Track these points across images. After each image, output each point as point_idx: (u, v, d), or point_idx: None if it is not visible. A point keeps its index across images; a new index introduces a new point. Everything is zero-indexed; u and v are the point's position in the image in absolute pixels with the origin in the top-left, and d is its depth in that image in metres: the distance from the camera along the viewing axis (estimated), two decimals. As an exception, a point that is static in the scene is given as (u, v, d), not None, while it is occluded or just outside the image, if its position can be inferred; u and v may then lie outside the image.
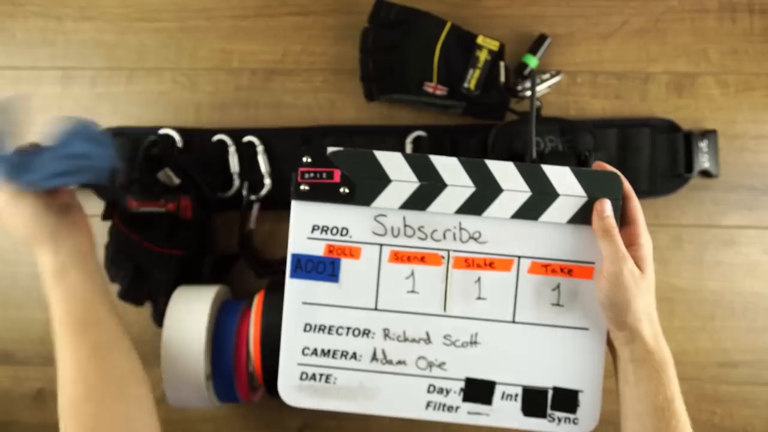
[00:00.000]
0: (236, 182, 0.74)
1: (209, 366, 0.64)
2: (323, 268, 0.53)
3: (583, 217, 0.52)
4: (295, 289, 0.53)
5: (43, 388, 0.76)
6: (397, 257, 0.53)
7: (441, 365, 0.53)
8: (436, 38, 0.72)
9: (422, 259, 0.53)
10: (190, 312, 0.65)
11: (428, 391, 0.53)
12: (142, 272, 0.69)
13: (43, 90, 0.78)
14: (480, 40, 0.72)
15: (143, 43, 0.78)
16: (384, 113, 0.76)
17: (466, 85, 0.72)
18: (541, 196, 0.52)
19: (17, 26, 0.78)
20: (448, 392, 0.53)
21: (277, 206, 0.75)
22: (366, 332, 0.53)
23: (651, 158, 0.74)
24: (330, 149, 0.53)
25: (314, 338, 0.53)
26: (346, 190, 0.53)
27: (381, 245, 0.53)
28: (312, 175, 0.53)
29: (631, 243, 0.51)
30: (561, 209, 0.52)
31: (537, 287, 0.53)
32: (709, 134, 0.74)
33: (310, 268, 0.53)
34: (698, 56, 0.76)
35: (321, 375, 0.54)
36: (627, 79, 0.76)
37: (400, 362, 0.53)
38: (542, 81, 0.74)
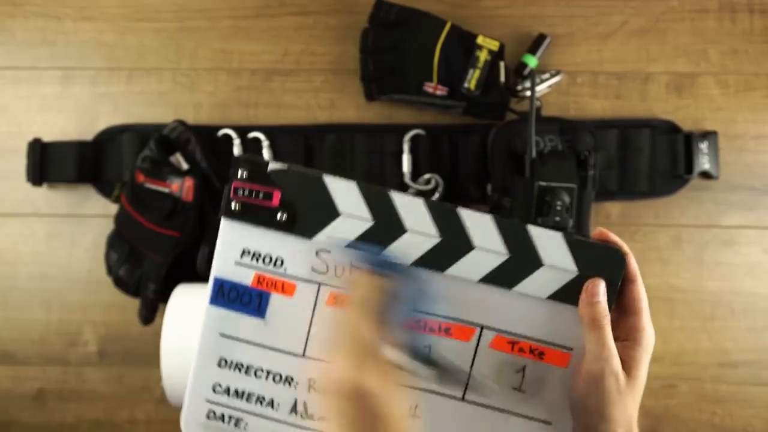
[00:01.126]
0: None
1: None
2: (248, 300, 0.46)
3: (567, 295, 0.43)
4: (213, 317, 0.46)
5: (43, 388, 0.76)
6: (338, 301, 0.45)
7: None
8: (436, 38, 0.72)
9: None
10: (191, 309, 0.65)
11: None
12: (136, 253, 0.70)
13: (43, 90, 0.78)
14: (480, 40, 0.72)
15: (143, 43, 0.78)
16: (384, 113, 0.76)
17: (466, 85, 0.72)
18: (521, 262, 0.44)
19: (17, 26, 0.78)
20: None
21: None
22: (288, 380, 0.46)
23: (651, 159, 0.74)
24: (272, 166, 0.45)
25: (228, 376, 0.46)
26: (284, 217, 0.44)
27: (320, 285, 0.45)
28: (247, 192, 0.45)
29: (626, 337, 0.42)
30: (542, 281, 0.44)
31: (498, 365, 0.45)
32: (710, 135, 0.74)
33: (234, 297, 0.46)
34: (698, 56, 0.76)
35: (230, 417, 0.46)
36: (627, 79, 0.76)
37: (322, 419, 0.45)
38: (542, 81, 0.74)
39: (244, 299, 0.46)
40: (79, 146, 0.75)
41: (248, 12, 0.78)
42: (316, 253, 0.45)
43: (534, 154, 0.67)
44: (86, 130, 0.77)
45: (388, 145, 0.74)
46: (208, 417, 0.47)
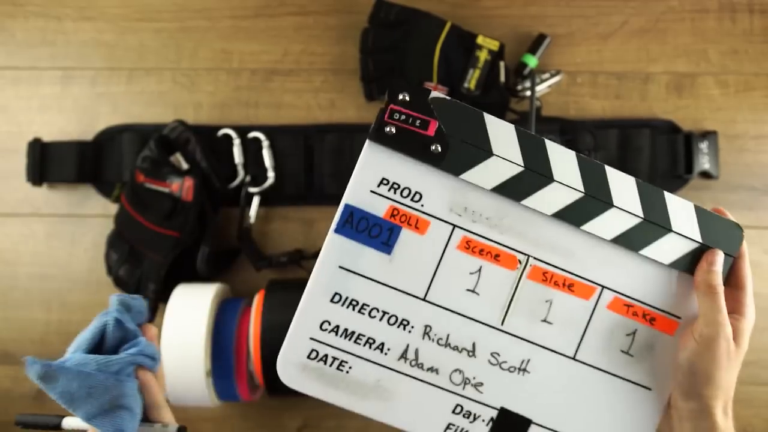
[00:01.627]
0: (240, 173, 0.75)
1: (209, 362, 0.64)
2: (378, 233, 0.44)
3: (687, 263, 0.45)
4: (336, 247, 0.43)
5: (43, 388, 0.76)
6: (468, 246, 0.44)
7: (477, 386, 0.45)
8: (436, 38, 0.72)
9: (496, 257, 0.45)
10: (191, 308, 0.65)
11: (453, 412, 0.45)
12: (136, 253, 0.70)
13: (43, 90, 0.78)
14: (480, 40, 0.72)
15: (143, 43, 0.78)
16: (384, 113, 0.76)
17: (466, 85, 0.72)
18: (652, 227, 0.45)
19: (17, 26, 0.78)
20: (475, 418, 0.45)
21: (279, 202, 0.75)
22: (404, 323, 0.44)
23: (651, 159, 0.74)
24: (434, 93, 0.43)
25: (340, 313, 0.44)
26: (438, 149, 0.43)
27: (454, 226, 0.44)
28: (403, 117, 0.43)
29: (732, 310, 0.44)
30: (667, 248, 0.45)
31: (611, 327, 0.45)
32: (710, 135, 0.74)
33: (363, 227, 0.43)
34: (698, 56, 0.76)
35: (334, 359, 0.44)
36: (627, 79, 0.76)
37: (431, 369, 0.45)
38: (542, 81, 0.74)
39: (374, 231, 0.44)
40: (79, 146, 0.75)
41: (248, 12, 0.78)
42: (458, 192, 0.44)
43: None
44: (86, 130, 0.77)
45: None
46: (309, 357, 0.44)
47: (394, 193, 0.44)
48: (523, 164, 0.44)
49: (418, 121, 0.43)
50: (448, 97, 0.43)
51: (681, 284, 0.46)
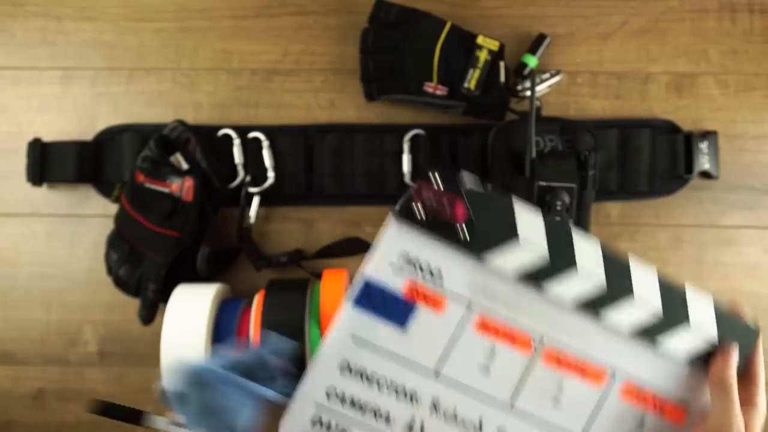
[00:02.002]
0: (240, 173, 0.74)
1: (209, 365, 0.64)
2: (394, 307, 0.44)
3: (702, 357, 0.46)
4: (351, 319, 0.44)
5: (43, 388, 0.76)
6: (485, 327, 0.45)
7: None
8: (436, 38, 0.72)
9: (511, 339, 0.45)
10: (191, 308, 0.65)
11: None
12: (136, 253, 0.70)
13: (43, 90, 0.78)
14: (480, 40, 0.73)
15: (143, 43, 0.78)
16: (384, 113, 0.76)
17: (466, 85, 0.72)
18: (671, 322, 0.45)
19: (17, 26, 0.78)
20: None
21: (279, 202, 0.75)
22: (412, 396, 0.45)
23: (651, 159, 0.74)
24: (468, 185, 0.44)
25: (348, 382, 0.44)
26: (465, 233, 0.44)
27: (472, 306, 0.44)
28: (435, 203, 0.44)
29: (743, 402, 0.45)
30: (684, 342, 0.46)
31: (621, 414, 0.46)
32: (710, 135, 0.74)
33: (379, 302, 0.44)
34: (698, 56, 0.77)
35: (337, 426, 0.45)
36: (627, 79, 0.76)
37: None
38: (542, 81, 0.74)
39: (390, 306, 0.44)
40: (79, 146, 0.75)
41: (248, 12, 0.78)
42: (479, 272, 0.44)
43: (534, 154, 0.67)
44: (86, 130, 0.77)
45: (388, 145, 0.74)
46: (313, 422, 0.45)
47: (414, 269, 0.44)
48: (548, 254, 0.44)
49: (447, 206, 0.44)
50: (481, 190, 0.44)
51: (694, 376, 0.46)
